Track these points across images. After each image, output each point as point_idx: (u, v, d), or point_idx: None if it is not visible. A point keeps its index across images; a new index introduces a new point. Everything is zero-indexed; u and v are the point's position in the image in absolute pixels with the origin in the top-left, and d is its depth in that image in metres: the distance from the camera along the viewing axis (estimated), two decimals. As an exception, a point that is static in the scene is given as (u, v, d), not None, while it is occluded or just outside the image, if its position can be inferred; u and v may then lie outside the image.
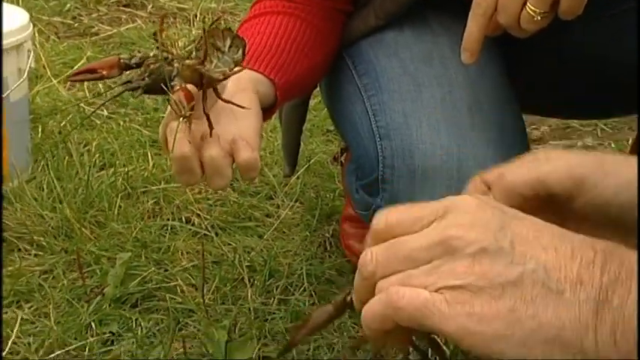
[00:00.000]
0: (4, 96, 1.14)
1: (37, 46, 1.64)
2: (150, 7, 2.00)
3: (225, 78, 0.66)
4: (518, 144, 0.81)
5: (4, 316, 0.93)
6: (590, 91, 0.87)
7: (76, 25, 1.88)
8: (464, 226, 0.39)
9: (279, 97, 0.76)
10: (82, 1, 1.98)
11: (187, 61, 0.64)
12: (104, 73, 0.65)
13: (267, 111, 0.75)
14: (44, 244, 1.07)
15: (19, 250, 1.07)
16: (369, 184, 0.80)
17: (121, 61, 0.65)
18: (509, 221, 0.40)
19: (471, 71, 0.79)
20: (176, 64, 0.64)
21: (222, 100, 0.67)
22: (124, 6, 2.00)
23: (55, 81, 1.52)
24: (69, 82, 1.54)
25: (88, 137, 1.34)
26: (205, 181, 0.68)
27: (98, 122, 1.41)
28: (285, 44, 0.78)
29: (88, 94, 1.53)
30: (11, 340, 0.89)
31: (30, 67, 1.19)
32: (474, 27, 0.69)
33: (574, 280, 0.37)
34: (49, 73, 1.52)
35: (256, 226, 1.14)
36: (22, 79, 1.17)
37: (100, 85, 1.56)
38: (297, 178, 1.24)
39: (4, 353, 0.88)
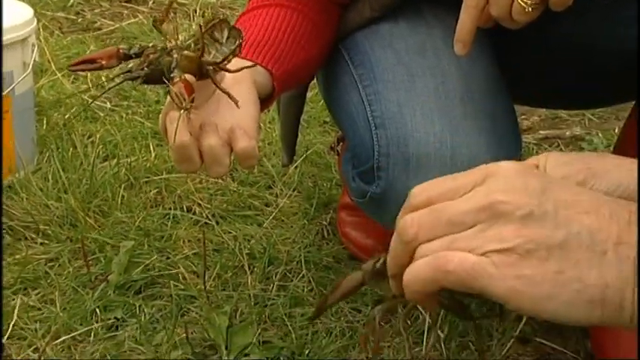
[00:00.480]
0: (9, 89, 1.13)
1: (42, 40, 1.62)
2: (151, 2, 1.98)
3: (224, 60, 0.65)
4: (510, 133, 0.80)
5: (11, 302, 0.92)
6: (579, 80, 0.86)
7: (80, 20, 1.86)
8: (508, 191, 0.39)
9: (277, 87, 0.75)
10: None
11: (186, 52, 0.63)
12: (103, 63, 0.64)
13: (264, 101, 0.75)
14: (50, 232, 1.06)
15: (26, 238, 1.05)
16: (365, 172, 0.79)
17: (121, 51, 0.64)
18: (549, 186, 0.40)
19: (463, 62, 0.78)
20: (175, 55, 0.63)
21: (220, 89, 0.66)
22: (126, 1, 1.98)
23: (59, 74, 1.50)
24: (72, 76, 1.53)
25: (92, 129, 1.33)
26: (204, 169, 0.67)
27: (101, 114, 1.39)
28: (282, 36, 0.77)
29: (91, 87, 1.51)
30: (16, 324, 0.88)
31: (34, 60, 1.17)
32: (467, 19, 0.68)
33: (615, 240, 0.38)
34: (53, 66, 1.51)
35: (256, 214, 1.13)
36: (26, 73, 1.16)
37: (103, 78, 1.55)
38: (296, 168, 1.23)
39: (11, 339, 0.87)
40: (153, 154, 1.25)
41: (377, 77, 0.79)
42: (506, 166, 0.40)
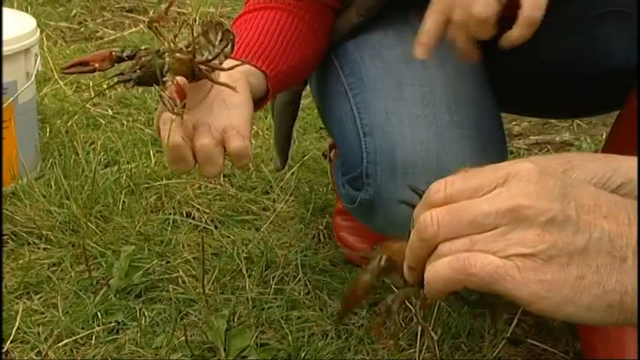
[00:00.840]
0: (12, 99, 1.12)
1: (45, 50, 1.62)
2: (152, 12, 1.98)
3: (215, 58, 0.64)
4: (494, 141, 0.80)
5: (14, 306, 0.92)
6: (565, 91, 0.86)
7: (82, 29, 1.86)
8: (531, 195, 0.38)
9: (271, 88, 0.75)
10: (87, 7, 1.96)
11: (178, 54, 0.62)
12: (96, 65, 0.63)
13: (259, 101, 0.74)
14: (52, 238, 1.05)
15: (29, 244, 1.05)
16: (354, 178, 0.79)
17: (114, 54, 0.63)
18: (570, 190, 0.39)
19: (450, 71, 0.78)
20: (167, 58, 0.62)
21: (215, 82, 0.65)
22: (128, 11, 1.98)
23: (61, 83, 1.50)
24: (75, 85, 1.52)
25: (94, 136, 1.33)
26: (198, 169, 0.66)
27: (103, 122, 1.39)
28: (277, 37, 0.77)
29: (93, 95, 1.51)
30: (19, 328, 0.88)
31: (37, 70, 1.17)
32: (430, 22, 0.67)
33: (634, 247, 0.38)
34: (56, 75, 1.50)
35: (253, 219, 1.13)
36: (29, 82, 1.15)
37: (105, 86, 1.55)
38: (292, 173, 1.23)
39: (14, 343, 0.86)
40: (153, 161, 1.24)
41: (366, 86, 0.79)
42: (528, 167, 0.40)
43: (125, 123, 1.39)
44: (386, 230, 0.91)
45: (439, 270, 0.40)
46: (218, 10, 2.00)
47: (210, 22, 0.65)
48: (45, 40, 1.69)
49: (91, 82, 1.53)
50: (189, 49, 0.63)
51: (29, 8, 1.85)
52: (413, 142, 0.74)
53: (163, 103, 0.61)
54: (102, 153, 1.26)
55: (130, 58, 0.62)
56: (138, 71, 0.61)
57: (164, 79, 0.61)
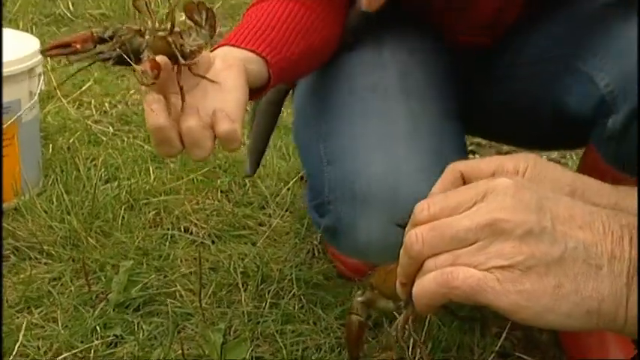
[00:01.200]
0: (15, 117, 1.13)
1: (49, 68, 1.62)
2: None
3: (193, 52, 0.61)
4: None
5: (16, 321, 0.91)
6: (530, 128, 0.86)
7: (85, 48, 1.87)
8: (508, 209, 0.39)
9: (273, 74, 0.71)
10: (90, 27, 1.97)
11: (159, 33, 0.59)
12: (78, 47, 0.60)
13: (259, 89, 0.71)
14: (53, 253, 1.05)
15: (30, 258, 1.05)
16: (318, 205, 0.79)
17: (95, 34, 0.60)
18: (546, 202, 0.40)
19: (414, 101, 0.77)
20: (147, 36, 0.59)
21: (196, 75, 0.62)
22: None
23: (64, 101, 1.50)
24: (77, 102, 1.52)
25: (95, 153, 1.33)
26: (186, 152, 0.62)
27: (104, 139, 1.39)
28: (281, 25, 0.74)
29: (95, 113, 1.51)
30: (20, 342, 0.87)
31: (40, 89, 1.17)
32: None
33: (609, 255, 0.38)
34: (59, 94, 1.51)
35: (250, 234, 1.13)
36: (32, 101, 1.16)
37: (107, 105, 1.55)
38: (288, 189, 1.23)
39: (14, 356, 0.86)
40: (152, 177, 1.24)
41: (333, 114, 0.78)
42: (505, 182, 0.41)
43: (125, 140, 1.40)
44: (350, 255, 0.91)
45: (425, 285, 0.41)
46: (218, 28, 2.01)
47: (192, 3, 0.63)
48: (49, 59, 1.70)
49: (93, 100, 1.53)
50: (170, 29, 0.59)
51: (34, 28, 1.86)
52: (370, 171, 0.74)
53: (135, 76, 0.58)
54: (102, 169, 1.26)
55: (112, 38, 0.59)
56: (118, 49, 0.58)
57: (142, 55, 0.58)
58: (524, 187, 0.41)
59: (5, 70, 1.10)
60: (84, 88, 1.57)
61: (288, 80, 0.78)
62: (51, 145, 1.33)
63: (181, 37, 0.61)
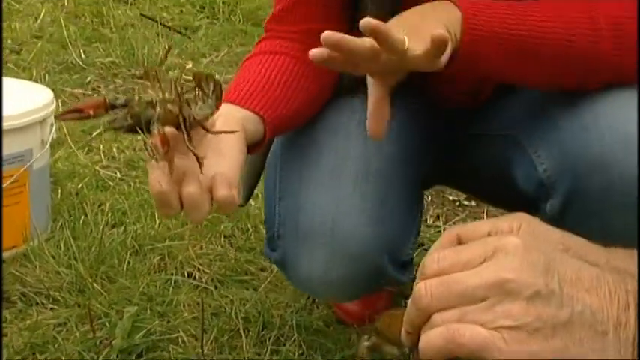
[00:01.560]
0: (27, 166, 1.14)
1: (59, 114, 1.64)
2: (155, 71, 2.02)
3: (201, 121, 0.63)
4: (395, 220, 0.79)
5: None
6: (499, 191, 0.87)
7: (95, 95, 1.90)
8: (516, 269, 0.39)
9: (268, 131, 0.74)
10: (101, 74, 2.00)
11: (168, 105, 0.61)
12: (91, 112, 0.63)
13: (255, 146, 0.73)
14: (59, 298, 1.05)
15: (37, 304, 1.05)
16: (270, 239, 0.81)
17: (107, 101, 0.63)
18: (553, 263, 0.40)
19: (371, 146, 0.78)
20: (158, 108, 0.61)
21: (210, 132, 0.64)
22: (138, 78, 2.02)
23: (74, 147, 1.52)
24: (87, 148, 1.54)
25: (102, 198, 1.34)
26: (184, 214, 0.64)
27: (112, 184, 1.41)
28: (278, 82, 0.76)
29: (103, 159, 1.53)
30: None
31: (52, 138, 1.19)
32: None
33: (615, 321, 0.39)
34: (69, 140, 1.53)
35: (251, 279, 1.13)
36: (44, 150, 1.17)
37: (115, 150, 1.57)
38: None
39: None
40: (157, 222, 1.25)
41: (290, 152, 0.81)
42: (514, 242, 0.41)
43: (132, 185, 1.41)
44: (300, 289, 0.92)
45: (432, 339, 0.41)
46: (222, 76, 2.05)
47: (200, 73, 0.65)
48: (60, 105, 1.72)
49: (102, 146, 1.55)
50: (178, 101, 0.61)
51: (47, 76, 1.89)
52: (313, 209, 0.76)
53: (146, 150, 0.61)
54: (110, 214, 1.27)
55: (123, 106, 0.62)
56: (129, 119, 0.61)
57: (152, 127, 0.60)
58: (533, 246, 0.41)
59: (19, 121, 1.12)
60: (94, 134, 1.59)
61: (281, 134, 0.80)
62: (60, 191, 1.34)
63: (189, 106, 0.63)
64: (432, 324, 0.41)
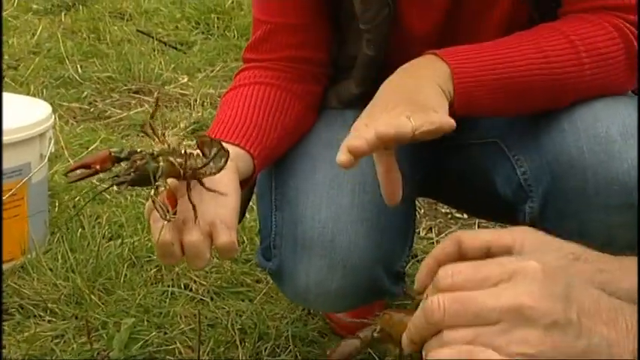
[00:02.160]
0: (26, 179, 1.14)
1: (57, 129, 1.65)
2: (156, 93, 2.03)
3: (207, 168, 0.65)
4: (396, 226, 0.81)
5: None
6: (484, 203, 0.88)
7: (92, 109, 1.90)
8: (535, 296, 0.38)
9: (258, 165, 0.76)
10: (97, 89, 2.01)
11: (171, 158, 0.63)
12: (97, 167, 0.64)
13: (245, 181, 0.75)
14: (57, 310, 1.05)
15: (35, 316, 1.04)
16: (265, 249, 0.82)
17: (112, 155, 0.64)
18: (572, 292, 0.39)
19: (365, 158, 0.78)
20: (161, 162, 0.62)
21: (206, 189, 0.66)
22: (134, 92, 2.03)
23: (71, 161, 1.52)
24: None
25: (99, 211, 1.34)
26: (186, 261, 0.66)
27: (108, 197, 1.41)
28: (262, 115, 0.77)
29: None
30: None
31: (50, 152, 1.19)
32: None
33: (631, 354, 0.38)
34: (66, 153, 1.53)
35: (247, 290, 1.13)
36: (42, 164, 1.18)
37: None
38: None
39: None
40: (154, 235, 1.25)
41: (285, 165, 0.81)
42: (534, 266, 0.40)
43: (129, 197, 1.41)
44: (293, 299, 0.92)
45: (443, 358, 0.40)
46: (217, 90, 2.06)
47: (205, 137, 0.66)
48: (58, 119, 1.73)
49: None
50: (182, 159, 0.63)
51: (44, 91, 1.90)
52: (312, 220, 0.76)
53: (155, 208, 0.62)
54: (106, 227, 1.27)
55: (127, 158, 0.63)
56: (132, 174, 0.62)
57: (157, 182, 0.62)
58: (553, 273, 0.40)
59: (18, 135, 1.12)
60: (91, 148, 1.59)
61: (270, 164, 0.82)
62: (57, 203, 1.34)
63: (190, 158, 0.64)
64: (442, 341, 0.40)
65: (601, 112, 0.69)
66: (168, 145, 0.64)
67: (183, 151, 0.64)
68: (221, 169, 0.67)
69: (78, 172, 0.66)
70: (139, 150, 0.64)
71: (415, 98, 0.65)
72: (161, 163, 0.62)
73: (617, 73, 0.70)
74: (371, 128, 0.62)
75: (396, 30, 0.77)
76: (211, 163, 0.65)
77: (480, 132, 0.82)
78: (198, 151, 0.67)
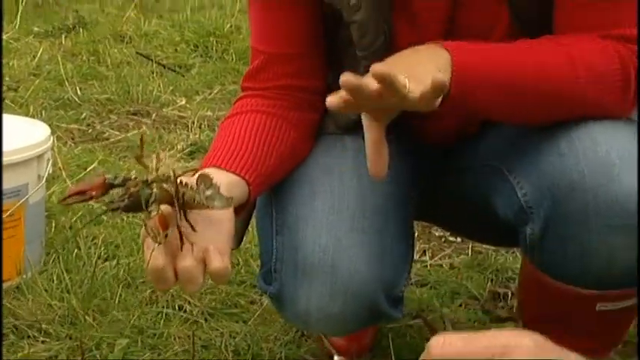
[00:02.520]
0: (24, 200, 1.16)
1: (56, 150, 1.66)
2: (154, 115, 2.05)
3: (198, 204, 0.66)
4: (396, 251, 0.82)
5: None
6: (481, 226, 0.90)
7: (90, 131, 1.92)
8: None
9: (253, 192, 0.77)
10: (96, 110, 2.03)
11: (164, 185, 0.65)
12: (93, 193, 0.66)
13: (240, 207, 0.76)
14: (51, 331, 1.05)
15: (29, 337, 1.05)
16: (266, 273, 0.83)
17: (106, 181, 0.66)
18: None
19: (365, 182, 0.80)
20: (155, 189, 0.64)
21: (192, 227, 0.67)
22: (132, 114, 2.05)
23: (69, 182, 1.53)
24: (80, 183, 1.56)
25: (96, 232, 1.35)
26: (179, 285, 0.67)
27: (104, 218, 1.42)
28: (259, 143, 0.79)
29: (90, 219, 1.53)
30: None
31: (48, 173, 1.21)
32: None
33: None
34: (64, 174, 1.54)
35: (241, 312, 1.14)
36: (40, 185, 1.19)
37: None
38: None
39: None
40: (150, 256, 1.26)
41: (286, 190, 0.83)
42: (527, 344, 0.39)
43: (125, 219, 1.42)
44: (294, 324, 0.93)
45: None
46: (214, 113, 2.08)
47: (207, 175, 0.68)
48: (56, 141, 1.74)
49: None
50: (176, 187, 0.64)
51: (44, 112, 1.92)
52: (313, 245, 0.77)
53: (147, 232, 0.64)
54: (102, 247, 1.28)
55: (122, 185, 0.65)
56: (126, 200, 0.64)
57: (150, 208, 0.63)
58: (545, 350, 0.39)
59: (16, 157, 1.14)
60: (88, 169, 1.61)
61: (265, 192, 0.83)
62: (54, 224, 1.35)
63: (185, 187, 0.65)
64: None
65: (600, 135, 0.70)
66: (163, 174, 0.65)
67: (177, 180, 0.65)
68: (213, 207, 0.67)
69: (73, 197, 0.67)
70: (133, 177, 0.66)
71: (416, 70, 0.65)
72: (154, 190, 0.64)
73: (613, 92, 0.71)
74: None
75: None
76: (204, 200, 0.66)
77: (480, 155, 0.84)
78: (194, 180, 0.68)
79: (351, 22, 0.77)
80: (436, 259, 1.34)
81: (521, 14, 0.75)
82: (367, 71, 0.80)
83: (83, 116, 1.98)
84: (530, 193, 0.74)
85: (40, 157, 1.18)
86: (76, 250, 1.26)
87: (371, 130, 0.69)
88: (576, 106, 0.72)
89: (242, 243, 1.30)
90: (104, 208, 0.66)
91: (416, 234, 1.41)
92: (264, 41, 0.83)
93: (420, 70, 0.65)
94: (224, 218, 0.70)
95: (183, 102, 2.12)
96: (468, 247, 1.36)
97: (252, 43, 0.85)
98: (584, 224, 0.69)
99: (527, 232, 0.74)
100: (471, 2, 0.76)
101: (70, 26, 2.63)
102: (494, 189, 0.80)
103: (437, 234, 1.42)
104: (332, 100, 0.64)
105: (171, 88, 2.17)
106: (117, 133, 1.92)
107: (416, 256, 1.35)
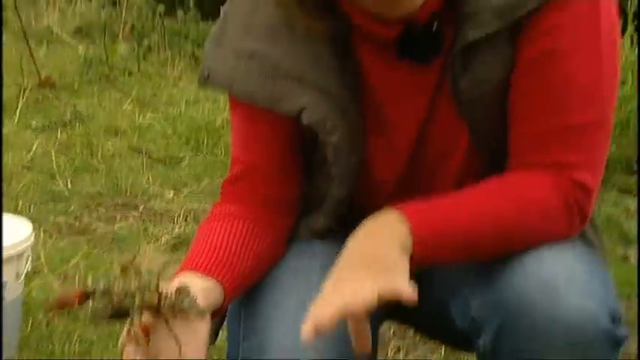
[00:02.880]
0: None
1: (40, 243, 1.69)
2: (142, 207, 2.09)
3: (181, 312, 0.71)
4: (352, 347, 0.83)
5: None
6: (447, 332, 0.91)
7: (77, 223, 1.96)
8: None
9: (228, 296, 0.80)
10: (85, 203, 2.08)
11: (147, 295, 0.69)
12: (76, 302, 0.71)
13: (215, 312, 0.78)
14: None
15: None
16: None
17: (88, 292, 0.70)
18: None
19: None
20: (137, 298, 0.69)
21: (175, 339, 0.71)
22: (121, 207, 2.10)
23: (51, 275, 1.55)
24: (62, 278, 1.57)
25: (71, 328, 1.36)
26: None
27: (82, 315, 1.43)
28: (235, 249, 0.82)
29: (77, 288, 1.55)
30: None
31: (27, 270, 1.23)
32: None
33: None
34: (46, 270, 1.57)
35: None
36: (18, 282, 1.21)
37: (90, 280, 1.60)
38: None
39: None
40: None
41: (256, 294, 0.85)
42: None
43: (103, 314, 1.43)
44: None
45: None
46: (201, 205, 2.13)
47: (186, 290, 0.73)
48: (42, 234, 1.78)
49: (77, 276, 1.59)
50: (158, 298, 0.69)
51: (32, 207, 1.96)
52: (279, 345, 0.79)
53: (129, 338, 0.68)
54: (77, 344, 1.29)
55: (105, 293, 0.70)
56: (109, 310, 0.69)
57: (133, 316, 0.68)
58: None
59: (-5, 256, 1.17)
60: (71, 263, 1.63)
61: (239, 294, 0.85)
62: (30, 321, 1.36)
63: (166, 298, 0.71)
64: None
65: (547, 258, 0.76)
66: (144, 285, 0.70)
67: (159, 290, 0.70)
68: (189, 318, 0.72)
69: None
70: (115, 285, 0.70)
71: (378, 263, 0.72)
72: (137, 299, 0.68)
73: (558, 223, 0.78)
74: (337, 304, 0.70)
75: (364, 175, 0.85)
76: (182, 310, 0.71)
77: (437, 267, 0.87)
78: (173, 289, 0.72)
79: (326, 143, 0.83)
80: (410, 356, 1.35)
81: (481, 136, 0.82)
82: (339, 187, 0.86)
83: (71, 209, 2.02)
84: (481, 306, 0.78)
85: (19, 255, 1.21)
86: (50, 347, 1.26)
87: (351, 321, 0.75)
88: (528, 242, 0.78)
89: (217, 339, 1.32)
90: (88, 317, 0.69)
91: (391, 330, 1.43)
92: (244, 152, 0.88)
93: (382, 260, 0.73)
94: (200, 324, 0.74)
95: (171, 195, 2.17)
96: (442, 347, 1.36)
97: (233, 152, 0.90)
98: (532, 340, 0.73)
99: (480, 344, 0.77)
100: (439, 124, 0.82)
101: (67, 120, 2.73)
102: (449, 299, 0.85)
103: (411, 332, 1.43)
104: (307, 333, 0.71)
105: (160, 180, 2.23)
106: (103, 225, 1.96)
107: (390, 354, 1.36)
